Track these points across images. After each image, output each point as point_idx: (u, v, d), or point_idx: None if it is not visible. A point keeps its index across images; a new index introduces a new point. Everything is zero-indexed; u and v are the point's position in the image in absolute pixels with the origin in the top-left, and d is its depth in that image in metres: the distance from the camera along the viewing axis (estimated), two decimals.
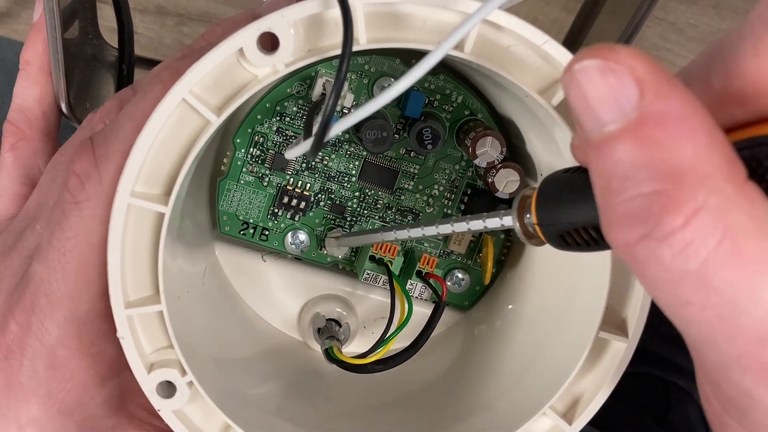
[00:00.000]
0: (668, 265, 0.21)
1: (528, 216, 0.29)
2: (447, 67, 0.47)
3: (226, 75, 0.34)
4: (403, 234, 0.39)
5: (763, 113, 0.23)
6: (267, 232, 0.49)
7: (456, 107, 0.47)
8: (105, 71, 0.56)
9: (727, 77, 0.23)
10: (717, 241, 0.20)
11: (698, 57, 0.25)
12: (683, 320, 0.22)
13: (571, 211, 0.27)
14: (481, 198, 0.48)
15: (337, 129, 0.32)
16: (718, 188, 0.21)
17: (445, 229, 0.35)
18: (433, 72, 0.46)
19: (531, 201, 0.29)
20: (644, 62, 0.22)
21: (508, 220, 0.31)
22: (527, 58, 0.35)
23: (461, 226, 0.34)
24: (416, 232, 0.38)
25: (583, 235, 0.27)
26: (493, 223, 0.32)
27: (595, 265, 0.38)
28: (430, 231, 0.36)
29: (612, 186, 0.22)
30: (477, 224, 0.33)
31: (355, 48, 0.33)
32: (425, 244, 0.50)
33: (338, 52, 0.31)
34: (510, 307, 0.49)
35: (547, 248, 0.45)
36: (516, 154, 0.48)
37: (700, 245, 0.21)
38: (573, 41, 0.61)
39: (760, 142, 0.22)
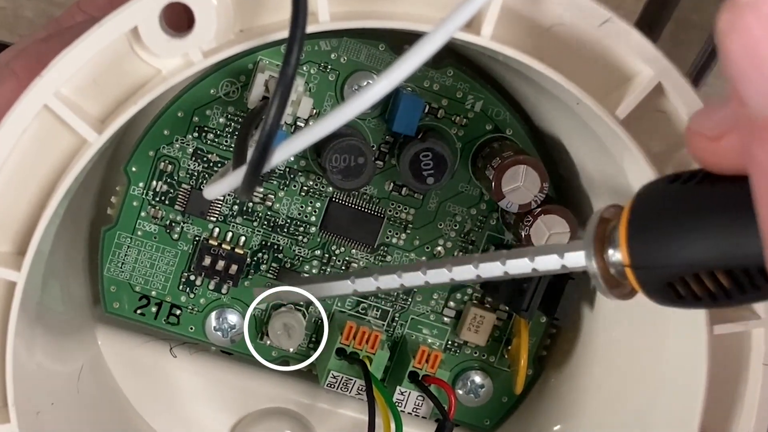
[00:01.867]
0: None
1: (613, 252, 0.29)
2: (458, 57, 0.46)
3: (112, 68, 0.34)
4: (388, 281, 0.38)
5: None
6: (179, 312, 0.48)
7: (472, 119, 0.47)
8: None
9: None
10: None
11: None
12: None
13: (694, 244, 0.26)
14: None
15: (285, 153, 0.32)
16: None
17: (464, 272, 0.34)
18: (436, 63, 0.46)
19: (619, 229, 0.28)
20: None
21: (576, 258, 0.30)
22: (579, 44, 0.35)
23: (491, 269, 0.33)
24: (412, 279, 0.36)
25: (710, 284, 0.26)
26: (550, 263, 0.31)
27: (686, 363, 0.38)
28: (438, 276, 0.35)
29: None
30: (520, 265, 0.32)
31: (311, 28, 0.32)
32: (423, 332, 0.50)
33: (285, 34, 0.31)
34: (556, 429, 0.49)
35: (614, 340, 0.44)
36: (564, 192, 0.47)
37: None
38: (650, 24, 0.62)
39: None
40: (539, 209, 0.45)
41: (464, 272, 0.34)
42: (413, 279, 0.36)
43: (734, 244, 0.25)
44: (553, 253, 0.31)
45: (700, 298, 0.26)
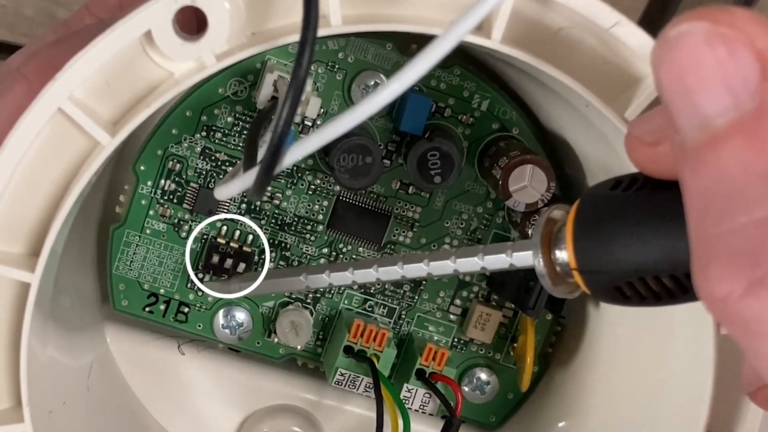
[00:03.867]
0: None
1: (560, 253, 0.29)
2: (465, 57, 0.46)
3: (125, 71, 0.34)
4: (341, 278, 0.38)
5: None
6: (186, 310, 0.48)
7: (479, 118, 0.47)
8: None
9: None
10: None
11: None
12: None
13: (637, 250, 0.26)
14: None
15: (297, 154, 0.32)
16: None
17: (415, 270, 0.34)
18: (444, 64, 0.46)
19: (565, 231, 0.29)
20: None
21: (524, 258, 0.31)
22: (588, 47, 0.35)
23: (443, 267, 0.33)
24: (364, 275, 0.37)
25: (655, 287, 0.26)
26: (498, 262, 0.32)
27: (692, 362, 0.38)
28: (389, 274, 0.35)
29: (713, 209, 0.22)
30: (470, 264, 0.32)
31: (323, 32, 0.32)
32: (430, 329, 0.50)
33: (296, 37, 0.31)
34: (561, 425, 0.49)
35: (620, 338, 0.44)
36: (571, 191, 0.47)
37: None
38: (651, 23, 0.62)
39: None
40: (547, 208, 0.45)
41: (416, 270, 0.35)
42: (386, 273, 0.36)
43: (675, 249, 0.25)
44: (502, 252, 0.31)
45: (645, 298, 0.27)
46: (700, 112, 0.22)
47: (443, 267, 0.33)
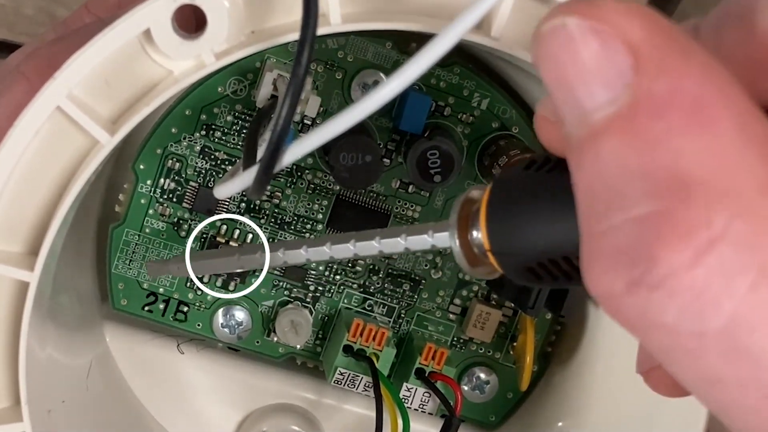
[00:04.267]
0: (673, 326, 0.21)
1: (475, 233, 0.29)
2: (465, 55, 0.46)
3: (124, 70, 0.34)
4: (274, 258, 0.37)
5: None
6: (186, 309, 0.48)
7: (479, 116, 0.47)
8: None
9: (748, 39, 0.23)
10: (748, 287, 0.20)
11: (704, 20, 0.25)
12: (718, 406, 0.22)
13: (546, 231, 0.26)
14: None
15: (297, 152, 0.31)
16: (749, 208, 0.20)
17: (342, 251, 0.34)
18: (444, 62, 0.46)
19: (480, 210, 0.28)
20: (643, 20, 0.21)
21: (443, 238, 0.30)
22: None
23: (367, 247, 0.33)
24: (295, 256, 0.36)
25: (564, 266, 0.26)
26: (419, 242, 0.31)
27: None
28: (318, 254, 0.35)
29: (595, 205, 0.22)
30: (393, 244, 0.32)
31: (323, 30, 0.32)
32: (429, 328, 0.50)
33: (296, 36, 0.31)
34: (560, 425, 0.49)
35: (619, 335, 0.44)
36: None
37: (721, 294, 0.20)
38: None
39: None
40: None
41: (342, 250, 0.34)
42: (315, 253, 0.36)
43: (574, 230, 0.25)
44: (424, 233, 0.31)
45: (556, 278, 0.26)
46: (580, 107, 0.22)
47: (368, 248, 0.33)
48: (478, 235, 0.28)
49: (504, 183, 0.28)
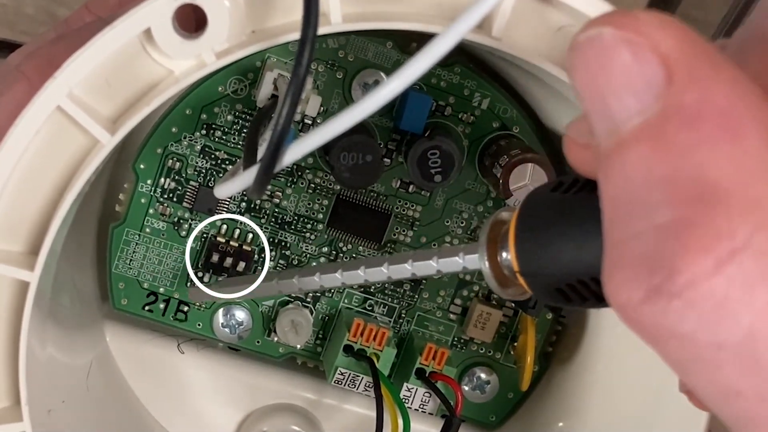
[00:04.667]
0: (692, 337, 0.21)
1: (505, 255, 0.29)
2: (466, 54, 0.46)
3: (125, 69, 0.34)
4: (309, 282, 0.38)
5: None
6: (186, 308, 0.48)
7: (479, 116, 0.47)
8: None
9: None
10: (767, 301, 0.20)
11: (729, 41, 0.26)
12: (736, 419, 0.22)
13: (575, 254, 0.26)
14: None
15: (297, 152, 0.31)
16: None
17: (376, 274, 0.34)
18: (445, 62, 0.46)
19: (509, 232, 0.28)
20: (676, 33, 0.22)
21: (471, 261, 0.31)
22: None
23: (400, 270, 0.33)
24: (331, 280, 0.37)
25: (594, 288, 0.26)
26: (451, 264, 0.31)
27: None
28: (353, 277, 0.35)
29: (619, 215, 0.22)
30: (425, 267, 0.33)
31: (323, 30, 0.32)
32: (430, 329, 0.50)
33: (296, 35, 0.31)
34: (561, 425, 0.49)
35: (620, 336, 0.44)
36: None
37: (741, 306, 0.20)
38: None
39: None
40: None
41: (376, 274, 0.35)
42: (331, 280, 0.36)
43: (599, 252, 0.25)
44: (455, 255, 0.31)
45: (586, 299, 0.26)
46: (612, 117, 0.22)
47: (401, 271, 0.34)
48: (508, 256, 0.28)
49: (532, 204, 0.28)
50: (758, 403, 0.21)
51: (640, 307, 0.21)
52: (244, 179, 0.33)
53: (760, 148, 0.21)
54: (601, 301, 0.26)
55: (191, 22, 0.33)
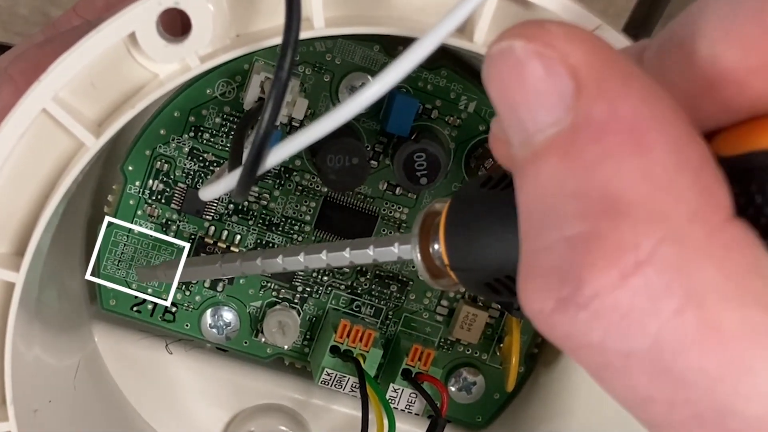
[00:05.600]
0: (601, 346, 0.21)
1: (437, 246, 0.29)
2: (452, 58, 0.47)
3: (110, 72, 0.34)
4: (251, 266, 0.38)
5: (755, 109, 0.23)
6: (174, 309, 0.49)
7: (466, 119, 0.47)
8: None
9: (689, 64, 0.23)
10: (673, 310, 0.20)
11: (649, 44, 0.26)
12: (650, 424, 0.22)
13: (501, 250, 0.26)
14: None
15: (280, 155, 0.31)
16: (679, 232, 0.20)
17: (315, 261, 0.35)
18: (431, 65, 0.46)
19: (440, 224, 0.29)
20: (585, 44, 0.22)
21: (405, 251, 0.31)
22: None
23: (338, 258, 0.34)
24: (272, 264, 0.37)
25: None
26: (386, 254, 0.32)
27: None
28: (294, 264, 0.36)
29: (532, 225, 0.22)
30: (361, 255, 0.33)
31: (306, 34, 0.32)
32: (417, 330, 0.50)
33: (280, 40, 0.30)
34: (547, 425, 0.49)
35: None
36: None
37: (646, 316, 0.20)
38: (638, 27, 0.62)
39: (759, 156, 0.22)
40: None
41: (315, 261, 0.35)
42: (272, 265, 0.36)
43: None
44: (390, 245, 0.31)
45: (515, 293, 0.26)
46: (524, 129, 0.22)
47: (339, 259, 0.34)
48: (439, 248, 0.28)
49: (462, 199, 0.28)
50: (669, 409, 0.21)
51: (552, 316, 0.21)
52: (228, 181, 0.33)
53: (666, 159, 0.21)
54: None
55: (176, 26, 0.33)
